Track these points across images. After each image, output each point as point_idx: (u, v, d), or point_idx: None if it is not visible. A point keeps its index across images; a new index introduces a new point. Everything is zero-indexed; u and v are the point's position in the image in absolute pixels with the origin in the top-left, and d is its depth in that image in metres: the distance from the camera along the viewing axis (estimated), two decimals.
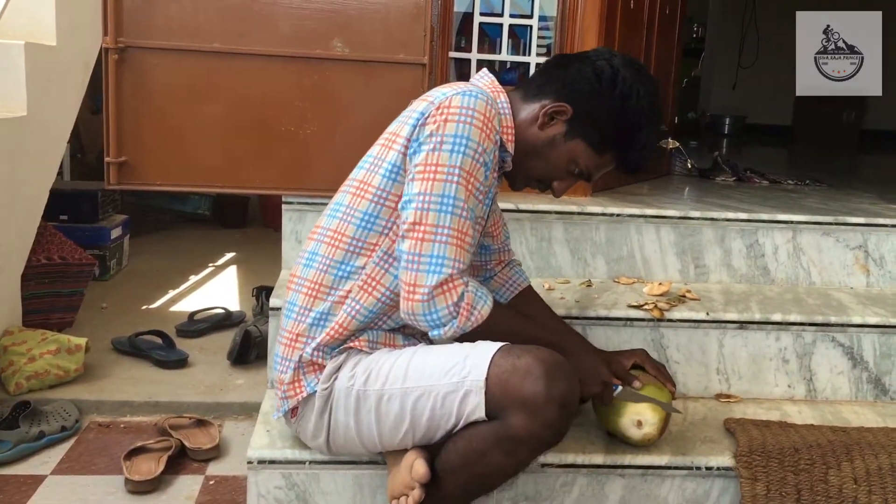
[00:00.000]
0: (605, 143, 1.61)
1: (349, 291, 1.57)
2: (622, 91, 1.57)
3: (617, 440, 1.79)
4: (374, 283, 1.57)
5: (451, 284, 1.48)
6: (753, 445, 1.78)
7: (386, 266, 1.57)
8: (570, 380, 1.47)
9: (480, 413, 1.47)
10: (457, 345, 1.56)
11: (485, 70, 1.70)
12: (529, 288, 1.91)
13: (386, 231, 1.56)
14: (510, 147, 1.62)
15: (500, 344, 1.51)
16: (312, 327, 1.59)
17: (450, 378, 1.49)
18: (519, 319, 1.67)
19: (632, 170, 1.67)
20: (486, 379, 1.46)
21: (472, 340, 1.55)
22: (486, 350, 1.49)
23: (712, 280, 2.35)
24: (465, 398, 1.47)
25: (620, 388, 1.70)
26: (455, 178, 1.49)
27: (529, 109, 1.63)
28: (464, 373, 1.48)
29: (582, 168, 1.63)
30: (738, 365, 2.10)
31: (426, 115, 1.52)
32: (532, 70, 2.55)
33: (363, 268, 1.57)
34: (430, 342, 1.73)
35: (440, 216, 1.48)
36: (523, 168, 1.66)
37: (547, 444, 1.49)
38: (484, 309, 1.52)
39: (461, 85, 1.57)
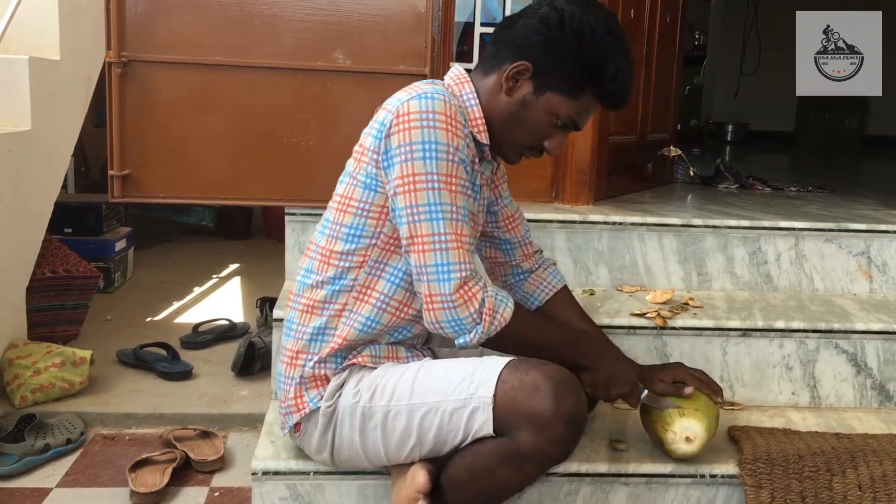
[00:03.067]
0: (576, 85, 1.55)
1: (345, 304, 1.58)
2: (573, 28, 1.52)
3: (658, 451, 1.79)
4: (368, 291, 1.58)
5: (469, 291, 1.49)
6: (758, 453, 1.77)
7: (378, 273, 1.57)
8: (578, 396, 1.46)
9: (488, 429, 1.46)
10: (463, 359, 1.56)
11: (455, 64, 1.67)
12: (565, 289, 1.87)
13: (374, 241, 1.56)
14: (483, 137, 1.59)
15: (507, 359, 1.51)
16: (312, 343, 1.59)
17: (457, 394, 1.49)
18: (543, 322, 1.66)
19: (617, 103, 1.61)
20: (494, 395, 1.45)
21: (497, 344, 1.55)
22: (494, 366, 1.49)
23: (715, 287, 2.35)
24: (473, 414, 1.47)
25: (646, 392, 1.69)
26: (435, 185, 1.48)
27: (491, 81, 1.59)
28: (471, 389, 1.48)
29: (564, 119, 1.58)
30: (741, 372, 2.10)
31: (387, 125, 1.50)
32: None
33: (356, 279, 1.57)
34: (435, 355, 1.73)
35: (433, 224, 1.48)
36: (509, 139, 1.62)
37: (554, 461, 1.49)
38: (506, 312, 1.52)
39: (416, 87, 1.54)
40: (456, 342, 1.53)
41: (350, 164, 1.61)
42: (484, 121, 1.60)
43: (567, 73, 1.54)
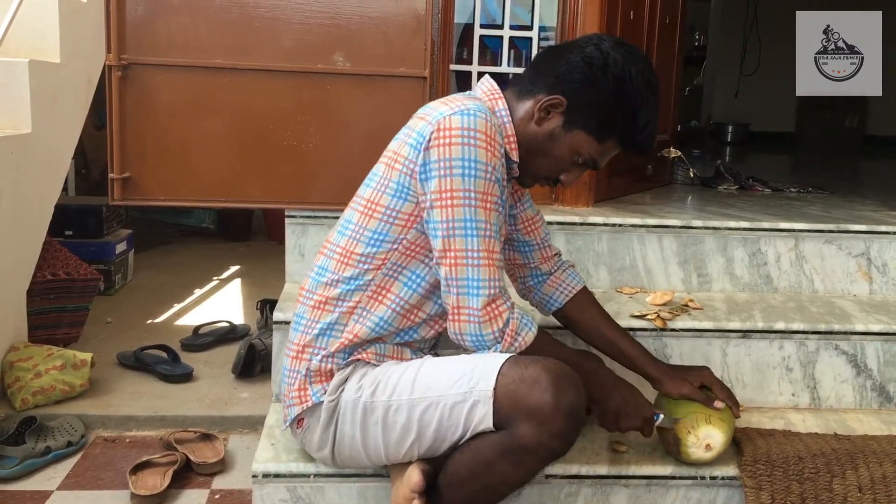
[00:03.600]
0: (605, 129, 1.59)
1: (358, 302, 1.59)
2: (614, 75, 1.55)
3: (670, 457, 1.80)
4: (383, 292, 1.59)
5: (496, 308, 1.51)
6: (758, 454, 1.77)
7: (395, 275, 1.59)
8: (577, 390, 1.47)
9: (488, 423, 1.47)
10: (464, 356, 1.57)
11: (486, 76, 1.69)
12: (585, 290, 1.88)
13: (395, 246, 1.57)
14: (514, 155, 1.62)
15: (507, 354, 1.52)
16: (319, 338, 1.60)
17: (458, 388, 1.50)
18: (560, 350, 1.66)
19: (638, 152, 1.65)
20: (494, 389, 1.46)
21: None
22: (494, 361, 1.50)
23: (715, 289, 2.35)
24: (473, 408, 1.48)
25: (662, 416, 1.69)
26: (472, 202, 1.49)
27: (525, 107, 1.61)
28: (472, 383, 1.49)
29: (586, 157, 1.61)
30: (741, 374, 2.10)
31: (426, 137, 1.51)
32: None
33: (372, 280, 1.58)
34: (437, 355, 1.74)
35: (467, 240, 1.50)
36: (529, 166, 1.64)
37: (555, 454, 1.49)
38: (528, 336, 1.55)
39: (457, 101, 1.56)
40: None
41: (379, 169, 1.61)
42: (516, 139, 1.62)
43: (599, 116, 1.57)
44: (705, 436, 1.70)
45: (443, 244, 1.51)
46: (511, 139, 1.61)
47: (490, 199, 1.52)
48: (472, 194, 1.49)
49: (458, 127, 1.49)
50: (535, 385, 1.44)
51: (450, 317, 1.54)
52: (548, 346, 1.61)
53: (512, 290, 1.79)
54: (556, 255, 1.89)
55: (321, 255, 1.66)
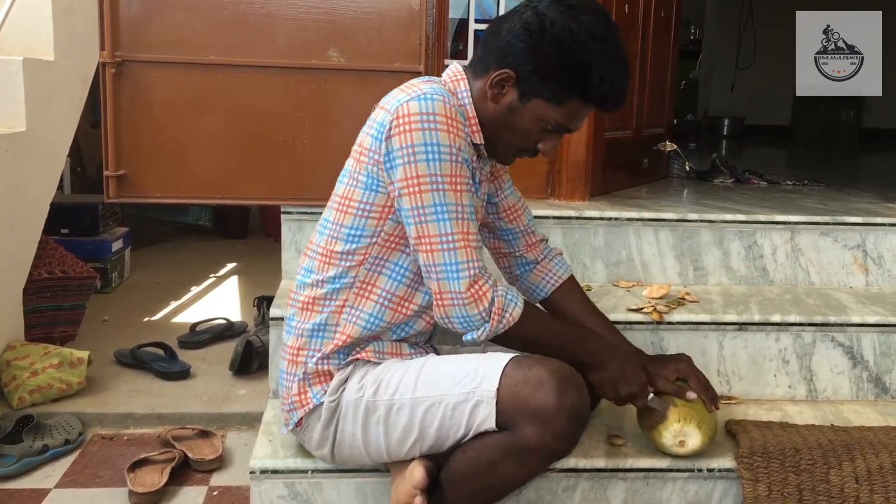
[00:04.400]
0: (561, 92, 1.52)
1: (345, 300, 1.58)
2: (553, 35, 1.48)
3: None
4: (369, 287, 1.58)
5: (479, 289, 1.50)
6: (755, 446, 1.78)
7: (378, 269, 1.58)
8: (580, 391, 1.47)
9: (491, 423, 1.47)
10: (467, 355, 1.57)
11: (454, 62, 1.66)
12: (571, 279, 1.87)
13: (374, 240, 1.56)
14: (477, 138, 1.58)
15: (511, 354, 1.52)
16: (312, 339, 1.60)
17: (460, 388, 1.50)
18: (551, 321, 1.66)
19: (609, 108, 1.58)
20: (498, 389, 1.46)
21: (505, 341, 1.57)
22: (498, 360, 1.50)
23: (711, 282, 2.35)
24: (476, 408, 1.48)
25: (652, 395, 1.69)
26: (441, 185, 1.48)
27: (480, 85, 1.58)
28: (475, 383, 1.49)
29: (553, 124, 1.55)
30: (738, 366, 2.10)
31: (386, 126, 1.49)
32: None
33: (356, 276, 1.57)
34: (437, 352, 1.74)
35: (439, 225, 1.49)
36: (500, 143, 1.61)
37: (558, 455, 1.50)
38: (515, 311, 1.53)
39: (415, 87, 1.53)
40: (463, 338, 1.54)
41: (349, 164, 1.61)
42: (477, 121, 1.59)
43: (551, 81, 1.51)
44: (676, 433, 1.69)
45: (416, 231, 1.50)
46: (472, 121, 1.58)
47: (459, 181, 1.50)
48: (439, 178, 1.48)
49: (417, 112, 1.47)
50: (539, 386, 1.44)
51: (434, 302, 1.53)
52: (539, 320, 1.61)
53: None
54: (541, 240, 1.87)
55: (305, 257, 1.65)
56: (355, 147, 1.61)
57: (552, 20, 1.48)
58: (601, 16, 1.53)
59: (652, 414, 1.72)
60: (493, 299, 1.51)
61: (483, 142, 1.60)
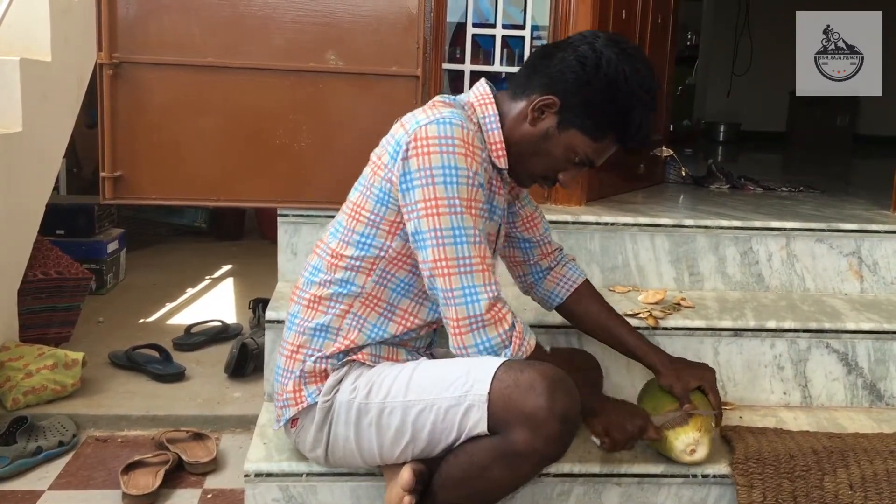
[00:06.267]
0: (600, 128, 1.57)
1: (350, 306, 1.59)
2: (607, 74, 1.53)
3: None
4: (375, 300, 1.59)
5: (499, 312, 1.51)
6: (749, 452, 1.78)
7: (385, 283, 1.59)
8: (572, 395, 1.47)
9: (482, 427, 1.47)
10: (458, 359, 1.57)
11: (483, 80, 1.67)
12: (587, 284, 1.88)
13: (383, 253, 1.57)
14: (501, 162, 1.61)
15: (502, 359, 1.52)
16: (314, 339, 1.60)
17: (452, 392, 1.49)
18: (556, 361, 1.68)
19: (633, 149, 1.64)
20: (489, 393, 1.46)
21: None
22: (489, 364, 1.50)
23: (707, 287, 2.36)
24: (468, 412, 1.48)
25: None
26: (458, 209, 1.49)
27: (519, 107, 1.60)
28: (466, 387, 1.48)
29: (582, 156, 1.60)
30: (733, 372, 2.10)
31: (404, 146, 1.50)
32: None
33: (363, 286, 1.58)
34: (433, 356, 1.74)
35: (457, 248, 1.49)
36: (525, 167, 1.64)
37: (549, 459, 1.50)
38: (532, 340, 1.55)
39: (436, 110, 1.55)
40: None
41: (367, 173, 1.62)
42: (504, 145, 1.61)
43: (593, 116, 1.56)
44: (688, 444, 1.71)
45: (433, 254, 1.50)
46: (498, 146, 1.60)
47: (475, 206, 1.51)
48: (457, 201, 1.49)
49: (435, 136, 1.48)
50: (531, 390, 1.44)
51: (452, 331, 1.52)
52: (545, 357, 1.61)
53: (511, 291, 1.79)
54: (556, 250, 1.90)
55: (314, 255, 1.66)
56: (373, 157, 1.61)
57: (608, 59, 1.53)
58: (648, 66, 1.59)
59: (667, 417, 1.73)
60: (513, 323, 1.52)
61: (507, 166, 1.62)
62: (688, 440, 1.70)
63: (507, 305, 1.53)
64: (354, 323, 1.59)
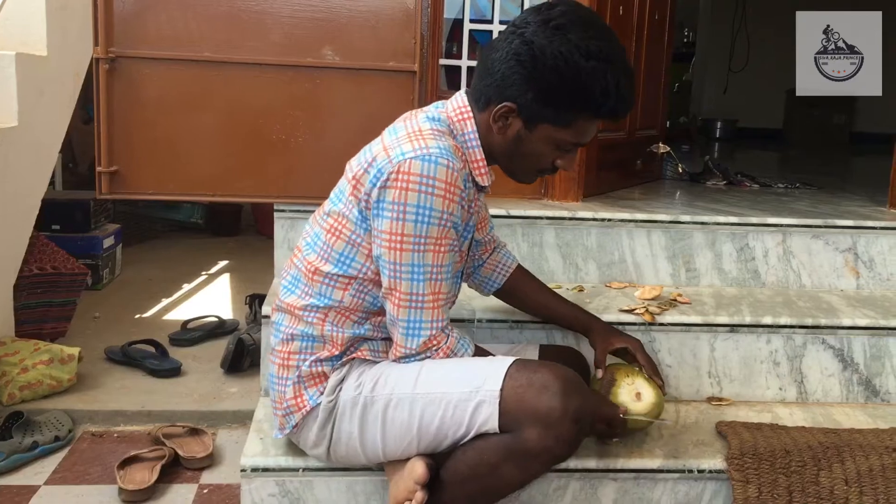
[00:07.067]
0: (566, 113, 1.52)
1: (326, 315, 1.59)
2: (545, 64, 1.47)
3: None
4: (349, 311, 1.60)
5: (432, 348, 1.55)
6: (745, 448, 1.78)
7: (362, 296, 1.59)
8: (585, 396, 1.49)
9: (493, 424, 1.47)
10: (468, 357, 1.58)
11: (460, 92, 1.63)
12: (520, 268, 1.93)
13: (361, 274, 1.57)
14: (484, 180, 1.60)
15: (514, 357, 1.53)
16: (304, 344, 1.60)
17: (463, 387, 1.50)
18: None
19: (617, 116, 1.56)
20: (502, 390, 1.46)
21: None
22: (501, 363, 1.51)
23: (703, 284, 2.36)
24: (479, 408, 1.48)
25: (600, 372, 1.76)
26: (422, 247, 1.49)
27: (484, 119, 1.57)
28: (477, 382, 1.49)
29: (563, 144, 1.56)
30: (729, 368, 2.11)
31: (385, 175, 1.48)
32: None
33: (341, 300, 1.59)
34: None
35: (413, 284, 1.51)
36: (518, 168, 1.63)
37: (559, 459, 1.50)
38: (461, 354, 1.59)
39: (422, 142, 1.50)
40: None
41: (345, 188, 1.59)
42: (486, 163, 1.60)
43: (552, 106, 1.51)
44: (631, 387, 1.70)
45: (389, 283, 1.52)
46: (479, 164, 1.59)
47: (443, 244, 1.51)
48: (423, 240, 1.49)
49: (418, 174, 1.46)
50: (544, 390, 1.44)
51: (393, 348, 1.58)
52: None
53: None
54: (496, 246, 1.93)
55: (292, 265, 1.66)
56: (349, 173, 1.59)
57: (541, 47, 1.47)
58: (590, 28, 1.50)
59: (604, 381, 1.73)
60: (440, 348, 1.55)
61: (489, 183, 1.63)
62: (627, 387, 1.70)
63: (448, 336, 1.56)
64: (333, 328, 1.59)
